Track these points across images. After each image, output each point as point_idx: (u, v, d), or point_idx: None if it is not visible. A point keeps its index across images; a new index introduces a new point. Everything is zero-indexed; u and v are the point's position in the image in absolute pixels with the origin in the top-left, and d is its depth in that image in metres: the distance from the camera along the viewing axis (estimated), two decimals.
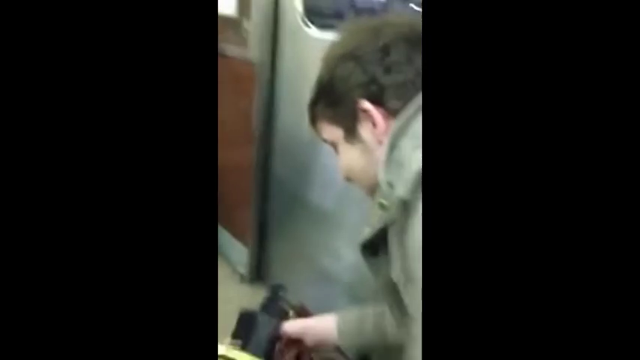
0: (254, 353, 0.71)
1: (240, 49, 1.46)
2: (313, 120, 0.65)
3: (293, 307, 0.83)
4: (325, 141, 0.65)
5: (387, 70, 0.56)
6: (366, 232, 0.59)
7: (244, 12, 1.42)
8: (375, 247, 0.58)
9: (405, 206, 0.49)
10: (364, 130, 0.58)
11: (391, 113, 0.56)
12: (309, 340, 0.77)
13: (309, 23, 1.28)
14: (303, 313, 0.86)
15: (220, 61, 1.71)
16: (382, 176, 0.53)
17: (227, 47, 1.54)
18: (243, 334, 0.74)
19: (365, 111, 0.57)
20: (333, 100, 0.60)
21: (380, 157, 0.54)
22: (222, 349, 0.72)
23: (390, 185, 0.51)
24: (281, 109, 1.43)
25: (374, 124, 0.57)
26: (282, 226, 1.55)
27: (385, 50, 0.56)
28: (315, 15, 1.30)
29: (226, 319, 1.08)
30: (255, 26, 1.38)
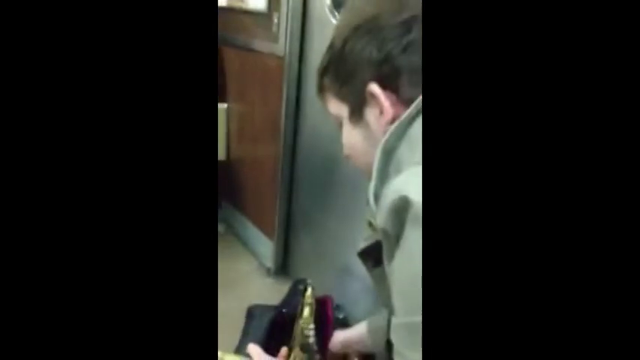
0: (255, 338, 0.72)
1: (269, 43, 1.47)
2: (320, 89, 0.58)
3: (315, 300, 0.84)
4: (329, 114, 0.59)
5: (405, 50, 0.48)
6: (360, 244, 0.55)
7: (274, 7, 1.42)
8: (378, 258, 0.54)
9: (387, 235, 0.44)
10: (370, 115, 0.52)
11: (403, 101, 0.49)
12: (352, 352, 0.79)
13: (337, 15, 1.27)
14: (323, 303, 0.87)
15: (249, 55, 1.72)
16: (370, 191, 0.48)
17: (255, 42, 1.54)
18: (247, 325, 0.78)
19: (373, 96, 0.50)
20: (342, 76, 0.54)
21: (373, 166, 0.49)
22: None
23: (376, 203, 0.46)
24: (308, 103, 1.43)
25: (381, 112, 0.51)
26: (307, 220, 1.55)
27: (406, 25, 0.48)
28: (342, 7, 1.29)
29: None
30: (284, 20, 1.38)
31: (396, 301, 0.43)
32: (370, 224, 0.50)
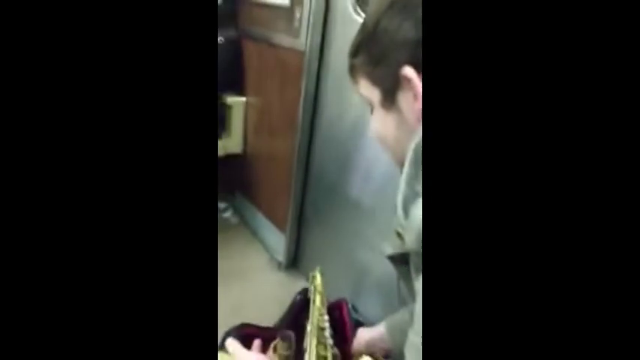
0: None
1: (290, 38, 1.46)
2: (352, 71, 0.55)
3: (330, 304, 0.85)
4: (361, 96, 0.56)
5: None
6: (387, 249, 0.53)
7: (297, 1, 1.42)
8: (406, 259, 0.52)
9: (417, 253, 0.42)
10: (404, 100, 0.48)
11: None
12: (378, 350, 0.78)
13: (360, 11, 1.26)
14: (339, 307, 0.87)
15: (269, 49, 1.71)
16: (399, 201, 0.44)
17: (276, 36, 1.54)
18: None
19: (407, 79, 0.46)
20: (374, 57, 0.50)
21: (406, 157, 0.45)
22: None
23: (406, 214, 0.44)
24: (326, 99, 1.42)
25: (415, 97, 0.47)
26: (320, 215, 1.55)
27: None
28: (366, 3, 1.28)
29: (263, 305, 1.10)
30: (306, 15, 1.37)
31: (416, 318, 0.43)
32: (399, 235, 0.47)
